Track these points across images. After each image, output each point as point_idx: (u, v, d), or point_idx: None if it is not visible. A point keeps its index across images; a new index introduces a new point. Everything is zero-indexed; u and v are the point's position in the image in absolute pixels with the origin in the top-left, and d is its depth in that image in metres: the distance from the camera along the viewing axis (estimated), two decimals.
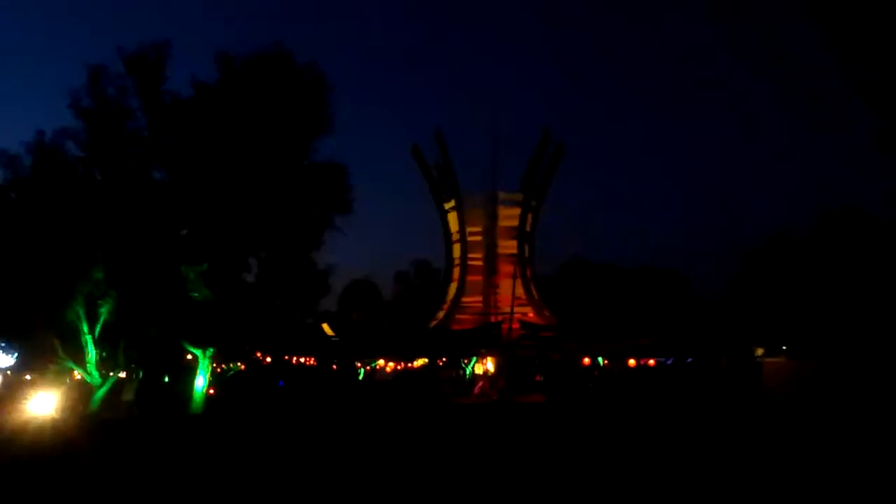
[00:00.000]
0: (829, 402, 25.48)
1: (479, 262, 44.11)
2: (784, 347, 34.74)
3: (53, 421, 23.25)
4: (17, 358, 34.62)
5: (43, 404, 25.45)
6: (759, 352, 34.20)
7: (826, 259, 36.14)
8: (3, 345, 34.05)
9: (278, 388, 37.36)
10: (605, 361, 39.25)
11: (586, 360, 37.80)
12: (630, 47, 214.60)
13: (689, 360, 38.11)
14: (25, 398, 26.74)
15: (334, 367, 42.46)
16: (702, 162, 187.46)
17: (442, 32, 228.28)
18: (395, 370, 43.98)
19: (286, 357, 40.31)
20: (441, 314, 42.81)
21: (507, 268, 42.21)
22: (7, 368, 35.79)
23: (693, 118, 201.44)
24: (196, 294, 26.39)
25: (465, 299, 43.41)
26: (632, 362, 37.47)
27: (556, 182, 57.45)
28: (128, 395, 29.32)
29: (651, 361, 37.68)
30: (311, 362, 42.60)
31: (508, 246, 44.18)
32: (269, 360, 38.54)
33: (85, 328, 26.50)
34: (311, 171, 28.77)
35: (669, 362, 38.83)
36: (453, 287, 44.31)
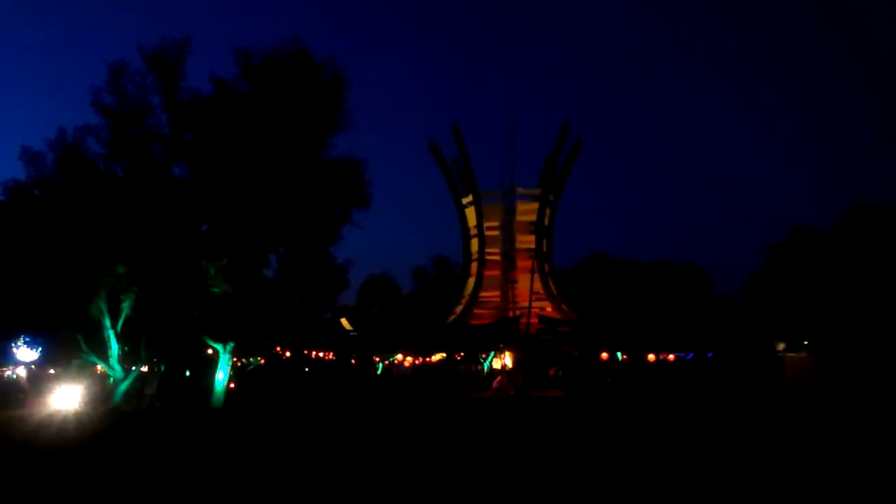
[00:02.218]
0: (852, 399, 25.13)
1: (497, 257, 43.98)
2: (806, 342, 34.34)
3: (77, 414, 23.63)
4: (41, 353, 35.13)
5: (67, 398, 25.89)
6: (781, 346, 33.82)
7: (849, 253, 35.64)
8: (27, 340, 34.52)
9: (300, 380, 37.48)
10: (624, 356, 39.03)
11: (605, 355, 37.60)
12: (648, 41, 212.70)
13: (710, 354, 37.77)
14: (50, 392, 27.22)
15: (353, 361, 42.64)
16: (723, 157, 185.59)
17: (460, 27, 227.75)
18: (413, 365, 44.08)
19: (305, 351, 40.55)
20: (459, 309, 42.77)
21: (524, 262, 42.06)
22: (31, 363, 36.33)
23: (713, 112, 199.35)
24: (216, 289, 26.60)
25: (482, 294, 43.33)
26: (651, 357, 37.21)
27: (574, 176, 56.96)
28: (150, 389, 29.65)
29: (671, 356, 37.38)
30: (330, 357, 42.82)
31: (526, 241, 44.03)
32: (288, 354, 38.81)
33: (107, 323, 26.81)
34: (329, 166, 28.84)
35: (689, 357, 38.51)
36: (471, 282, 44.24)
